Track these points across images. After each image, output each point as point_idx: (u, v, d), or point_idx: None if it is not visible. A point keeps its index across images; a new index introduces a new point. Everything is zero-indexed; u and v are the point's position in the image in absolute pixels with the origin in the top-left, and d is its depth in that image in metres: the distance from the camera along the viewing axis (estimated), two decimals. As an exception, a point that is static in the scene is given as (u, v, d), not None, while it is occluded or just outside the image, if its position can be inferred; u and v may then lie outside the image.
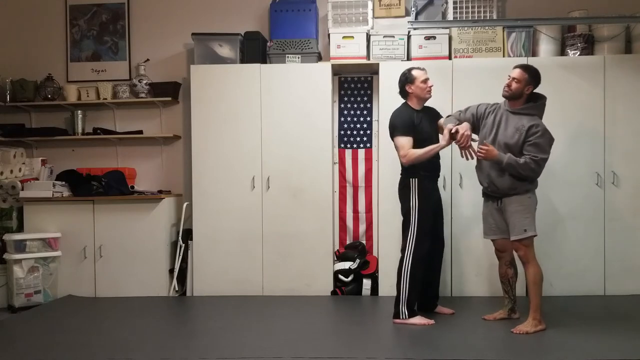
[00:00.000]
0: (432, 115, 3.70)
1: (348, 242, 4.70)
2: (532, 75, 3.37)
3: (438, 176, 3.73)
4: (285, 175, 4.41)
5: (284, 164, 4.41)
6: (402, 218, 3.59)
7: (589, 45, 4.32)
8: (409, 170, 3.57)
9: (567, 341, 3.14)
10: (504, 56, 4.33)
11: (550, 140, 3.36)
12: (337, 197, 4.67)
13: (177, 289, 4.52)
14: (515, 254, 3.49)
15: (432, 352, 3.00)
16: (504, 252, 3.54)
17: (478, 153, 3.36)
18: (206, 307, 4.14)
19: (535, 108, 3.40)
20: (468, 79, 4.25)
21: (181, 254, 4.54)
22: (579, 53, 4.30)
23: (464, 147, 3.40)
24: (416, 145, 3.51)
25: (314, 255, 4.40)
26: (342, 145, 4.72)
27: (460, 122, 3.49)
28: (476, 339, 3.24)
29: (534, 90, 3.42)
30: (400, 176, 3.67)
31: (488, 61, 4.27)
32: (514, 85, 3.36)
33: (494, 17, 4.31)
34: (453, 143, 3.48)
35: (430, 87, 3.62)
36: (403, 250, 3.55)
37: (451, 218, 4.25)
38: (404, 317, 3.49)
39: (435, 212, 3.65)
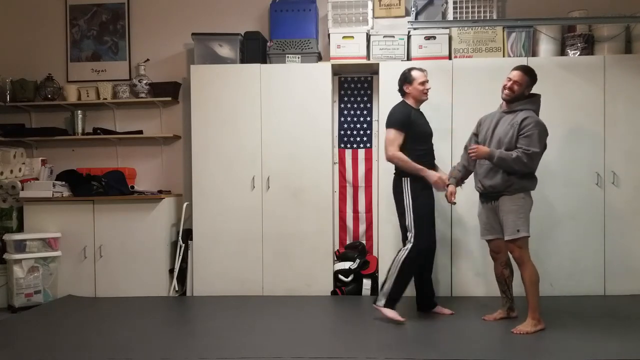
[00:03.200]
0: (426, 121, 3.77)
1: (348, 242, 4.70)
2: (531, 77, 3.41)
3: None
4: (285, 175, 4.41)
5: (284, 164, 4.41)
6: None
7: (589, 45, 4.32)
8: (401, 170, 3.63)
9: (567, 341, 3.14)
10: (504, 56, 4.33)
11: (543, 133, 3.33)
12: (337, 197, 4.67)
13: (177, 289, 4.52)
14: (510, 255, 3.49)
15: (432, 352, 3.00)
16: (499, 252, 3.54)
17: (470, 154, 3.43)
18: (206, 307, 4.14)
19: (530, 102, 3.41)
20: (468, 79, 4.25)
21: (181, 254, 4.54)
22: (579, 53, 4.30)
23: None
24: (410, 139, 3.59)
25: (314, 255, 4.40)
26: (342, 145, 4.72)
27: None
28: (476, 339, 3.24)
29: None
30: (393, 176, 3.71)
31: (488, 61, 4.27)
32: (516, 87, 3.38)
33: (494, 17, 4.31)
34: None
35: (428, 89, 3.70)
36: (404, 244, 3.60)
37: (451, 218, 4.25)
38: (379, 303, 3.55)
39: (430, 211, 3.68)
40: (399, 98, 3.75)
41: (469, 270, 4.26)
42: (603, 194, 4.22)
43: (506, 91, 3.41)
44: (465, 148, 3.64)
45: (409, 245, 3.53)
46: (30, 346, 3.25)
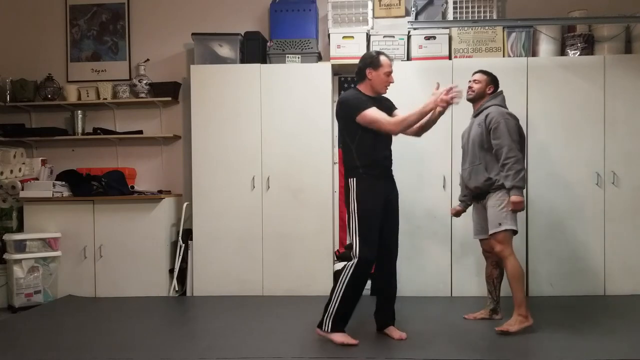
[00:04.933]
0: (386, 106, 3.27)
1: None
2: (491, 76, 3.57)
3: (386, 172, 3.26)
4: (285, 175, 4.41)
5: (284, 164, 4.41)
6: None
7: (589, 45, 4.32)
8: (349, 169, 3.19)
9: (567, 341, 3.14)
10: (504, 56, 4.34)
11: (510, 122, 3.36)
12: (337, 197, 4.67)
13: (177, 289, 4.52)
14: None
15: (431, 352, 3.00)
16: (490, 252, 3.55)
17: (512, 210, 3.34)
18: (206, 307, 4.14)
19: (493, 97, 3.51)
20: (468, 79, 4.23)
21: (181, 254, 4.54)
22: (579, 53, 4.30)
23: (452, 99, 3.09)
24: (363, 135, 3.11)
25: (314, 255, 4.39)
26: (342, 145, 4.72)
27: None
28: (476, 339, 3.24)
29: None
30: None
31: (488, 61, 4.26)
32: (476, 85, 3.55)
33: (494, 17, 4.31)
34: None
35: (391, 82, 3.25)
36: (348, 257, 3.18)
37: (451, 218, 4.25)
38: (326, 329, 3.11)
39: (385, 215, 3.18)
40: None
41: (469, 270, 4.26)
42: (603, 194, 4.22)
43: (469, 91, 3.56)
44: (461, 174, 3.68)
45: (354, 261, 3.09)
46: (30, 346, 3.26)
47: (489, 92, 3.53)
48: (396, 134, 3.17)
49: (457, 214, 3.74)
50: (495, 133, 3.35)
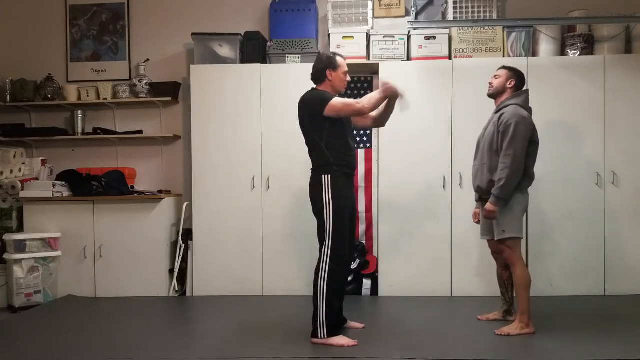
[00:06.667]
0: None
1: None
2: (514, 71, 3.44)
3: (354, 173, 3.37)
4: (285, 175, 4.41)
5: (284, 164, 4.41)
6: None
7: (589, 45, 4.32)
8: (321, 166, 3.23)
9: (567, 341, 3.14)
10: (504, 56, 4.33)
11: (521, 125, 3.20)
12: (337, 197, 4.66)
13: (177, 289, 4.53)
14: None
15: (431, 352, 3.00)
16: (497, 253, 3.52)
17: (486, 218, 3.36)
18: (206, 307, 4.15)
19: (515, 97, 3.37)
20: (468, 79, 4.25)
21: (181, 254, 4.55)
22: (579, 53, 4.30)
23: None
24: (331, 131, 3.18)
25: (314, 255, 4.36)
26: (342, 145, 4.71)
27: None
28: (476, 339, 3.24)
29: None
30: (311, 174, 3.32)
31: (488, 61, 4.26)
32: (495, 81, 3.44)
33: (494, 17, 4.31)
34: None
35: (348, 81, 3.35)
36: (319, 259, 3.17)
37: (451, 218, 4.26)
38: (322, 335, 3.11)
39: (351, 215, 3.27)
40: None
41: (468, 270, 4.26)
42: (603, 194, 4.22)
43: (489, 87, 3.46)
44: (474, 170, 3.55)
45: (325, 261, 3.11)
46: (30, 346, 3.26)
47: (510, 86, 3.39)
48: (368, 112, 3.21)
49: (475, 216, 3.64)
50: (503, 135, 3.24)
